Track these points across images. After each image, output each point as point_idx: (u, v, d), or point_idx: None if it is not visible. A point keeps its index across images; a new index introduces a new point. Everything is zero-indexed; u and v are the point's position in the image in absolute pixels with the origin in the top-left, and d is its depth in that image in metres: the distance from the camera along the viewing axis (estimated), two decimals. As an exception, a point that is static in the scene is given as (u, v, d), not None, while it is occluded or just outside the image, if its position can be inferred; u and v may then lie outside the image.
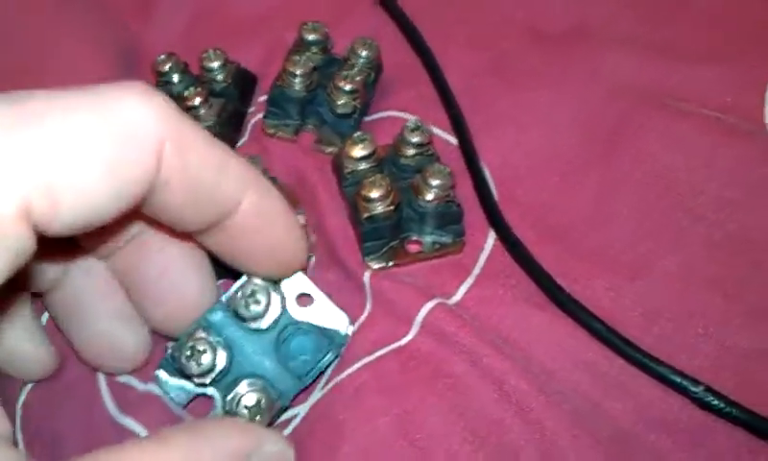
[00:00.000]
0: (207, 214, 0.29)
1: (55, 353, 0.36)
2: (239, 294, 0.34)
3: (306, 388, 0.35)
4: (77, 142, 0.23)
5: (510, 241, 0.39)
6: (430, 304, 0.37)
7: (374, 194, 0.38)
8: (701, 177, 0.41)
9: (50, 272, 0.34)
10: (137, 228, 0.33)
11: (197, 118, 0.42)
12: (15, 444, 0.35)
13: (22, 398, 0.36)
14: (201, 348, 0.33)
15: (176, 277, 0.34)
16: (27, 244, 0.23)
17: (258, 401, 0.33)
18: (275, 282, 0.35)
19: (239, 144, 0.45)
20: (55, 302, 0.35)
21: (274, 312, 0.34)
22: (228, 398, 0.33)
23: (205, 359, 0.33)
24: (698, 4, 0.49)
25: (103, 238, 0.33)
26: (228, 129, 0.44)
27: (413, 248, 0.40)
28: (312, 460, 0.34)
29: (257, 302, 0.34)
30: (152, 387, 0.36)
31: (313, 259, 0.40)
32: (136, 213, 0.28)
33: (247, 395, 0.33)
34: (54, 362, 0.36)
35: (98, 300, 0.34)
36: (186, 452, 0.25)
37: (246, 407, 0.33)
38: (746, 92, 0.44)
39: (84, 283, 0.34)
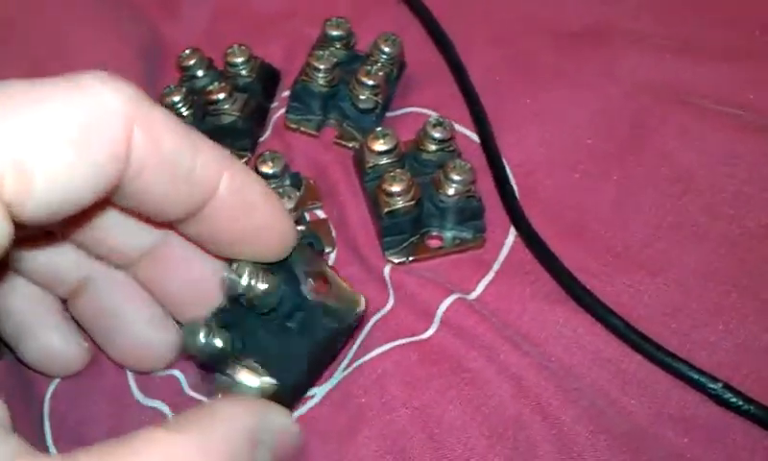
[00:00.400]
0: (186, 200, 0.29)
1: (87, 350, 0.36)
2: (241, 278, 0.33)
3: (321, 371, 0.36)
4: (47, 125, 0.24)
5: (530, 238, 0.39)
6: (450, 300, 0.37)
7: (395, 188, 0.38)
8: (720, 174, 0.41)
9: (69, 278, 0.34)
10: (155, 236, 0.33)
11: (221, 112, 0.43)
12: (42, 435, 0.36)
13: (51, 389, 0.37)
14: (201, 331, 0.32)
15: (199, 284, 0.34)
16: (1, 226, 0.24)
17: (261, 384, 0.33)
18: (280, 264, 0.34)
19: (262, 139, 0.46)
20: (79, 308, 0.35)
21: (279, 294, 0.34)
22: (232, 378, 0.33)
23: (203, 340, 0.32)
24: (717, 2, 0.49)
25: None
26: (251, 123, 0.44)
27: (433, 243, 0.40)
28: (330, 440, 0.34)
29: (258, 283, 0.33)
30: (172, 370, 0.37)
31: (334, 253, 0.40)
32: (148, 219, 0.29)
33: (247, 376, 0.33)
34: (85, 358, 0.36)
35: (125, 307, 0.35)
36: (199, 437, 0.25)
37: (249, 389, 0.32)
38: (766, 89, 0.44)
39: (108, 291, 0.35)
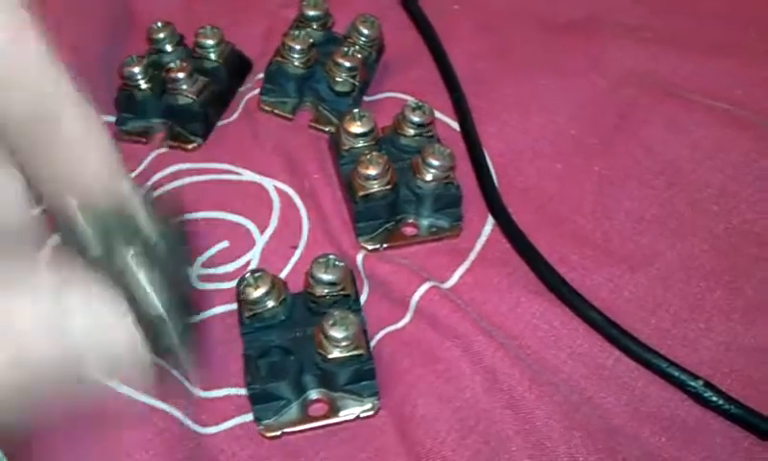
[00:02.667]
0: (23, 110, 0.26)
1: None
2: None
3: None
4: None
5: (508, 227, 0.38)
6: (424, 288, 0.36)
7: (371, 171, 0.37)
8: (706, 169, 0.40)
9: None
10: None
11: (177, 92, 0.42)
12: None
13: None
14: None
15: None
16: None
17: None
18: None
19: (230, 120, 0.44)
20: None
21: None
22: None
23: None
24: (710, -2, 0.48)
25: None
26: (208, 108, 0.43)
27: (408, 231, 0.39)
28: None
29: None
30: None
31: (303, 241, 0.39)
32: None
33: None
34: None
35: None
36: None
37: None
38: (757, 86, 0.43)
39: None
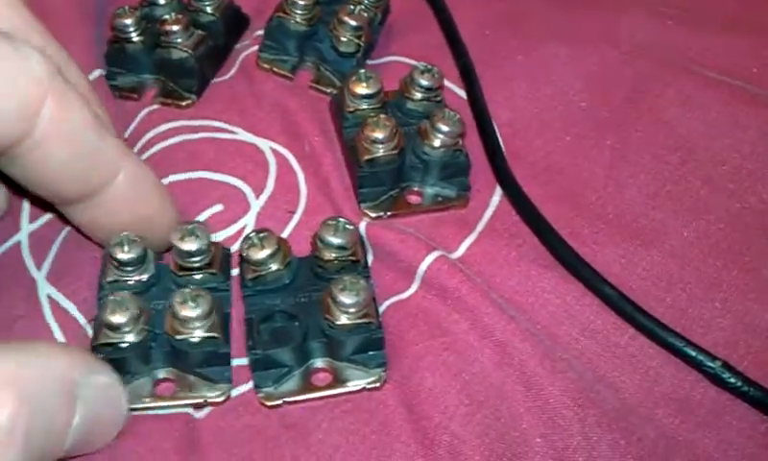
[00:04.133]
0: (85, 180, 0.29)
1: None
2: None
3: None
4: None
5: (518, 198, 0.36)
6: (432, 257, 0.34)
7: (378, 134, 0.35)
8: (722, 146, 0.38)
9: None
10: None
11: (172, 46, 0.39)
12: None
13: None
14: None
15: None
16: None
17: None
18: None
19: (225, 78, 0.42)
20: None
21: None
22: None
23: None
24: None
25: None
26: (202, 64, 0.40)
27: (413, 199, 0.37)
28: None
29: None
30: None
31: (301, 207, 0.37)
32: None
33: None
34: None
35: None
36: (14, 367, 0.24)
37: None
38: (774, 64, 0.42)
39: None
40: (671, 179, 0.37)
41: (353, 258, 0.32)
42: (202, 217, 0.37)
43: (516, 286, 0.34)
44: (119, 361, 0.30)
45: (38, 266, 0.35)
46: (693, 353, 0.32)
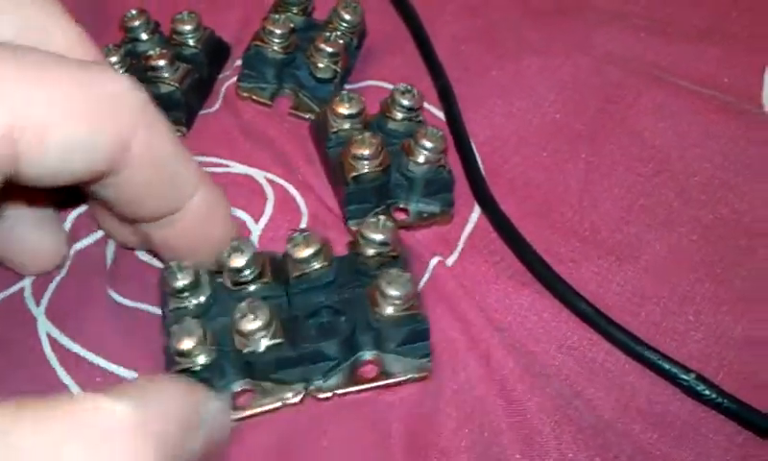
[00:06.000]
0: (165, 200, 0.30)
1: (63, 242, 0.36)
2: None
3: None
4: (69, 94, 0.26)
5: (496, 216, 0.37)
6: (433, 262, 0.36)
7: (364, 152, 0.35)
8: (694, 156, 0.39)
9: None
10: None
11: (159, 81, 0.40)
12: None
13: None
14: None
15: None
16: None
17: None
18: None
19: (210, 110, 0.43)
20: None
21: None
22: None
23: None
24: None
25: None
26: (190, 96, 0.41)
27: (399, 216, 0.38)
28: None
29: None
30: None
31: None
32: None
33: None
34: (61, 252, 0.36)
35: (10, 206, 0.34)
36: (136, 410, 0.23)
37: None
38: (745, 74, 0.42)
39: None
40: (644, 191, 0.38)
41: (393, 254, 0.33)
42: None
43: (495, 303, 0.35)
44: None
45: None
46: (667, 367, 0.32)
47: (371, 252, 0.33)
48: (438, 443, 0.31)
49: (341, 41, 0.41)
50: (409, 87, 0.38)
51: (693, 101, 0.40)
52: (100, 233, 0.37)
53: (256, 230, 0.38)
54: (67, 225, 0.37)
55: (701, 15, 0.45)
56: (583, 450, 0.31)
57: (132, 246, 0.36)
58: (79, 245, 0.37)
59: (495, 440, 0.31)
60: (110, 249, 0.36)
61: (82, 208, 0.38)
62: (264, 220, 0.38)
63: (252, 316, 0.30)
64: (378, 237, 0.33)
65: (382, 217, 0.33)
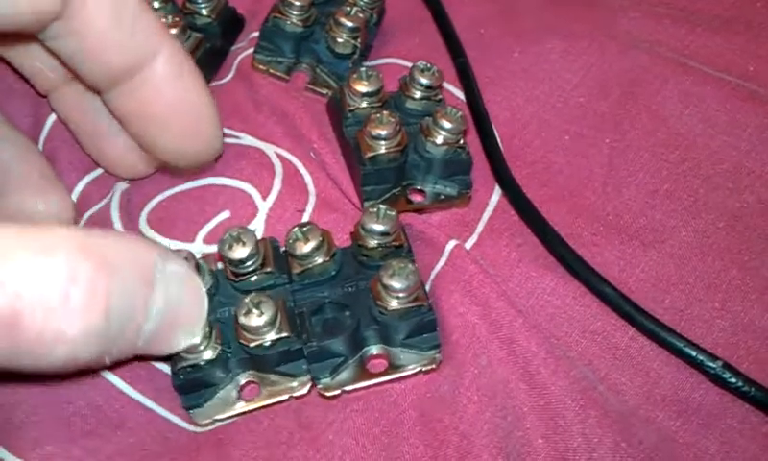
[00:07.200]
0: (126, 52, 0.29)
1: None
2: None
3: None
4: None
5: (517, 198, 0.36)
6: (450, 245, 0.35)
7: (382, 131, 0.34)
8: (720, 144, 0.38)
9: (46, 74, 0.34)
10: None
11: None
12: None
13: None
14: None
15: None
16: None
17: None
18: None
19: (223, 81, 0.42)
20: (62, 101, 0.35)
21: None
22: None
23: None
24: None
25: None
26: (201, 66, 0.39)
27: (415, 197, 0.37)
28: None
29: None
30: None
31: (310, 204, 0.37)
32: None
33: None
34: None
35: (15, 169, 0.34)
36: (93, 240, 0.24)
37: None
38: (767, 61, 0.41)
39: (8, 154, 0.33)
40: (670, 177, 0.37)
41: (396, 244, 0.32)
42: (209, 228, 0.36)
43: (517, 287, 0.34)
44: (202, 377, 0.30)
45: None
46: (693, 354, 0.32)
47: (372, 243, 0.32)
48: (458, 426, 0.30)
49: (361, 16, 0.40)
50: (429, 65, 0.37)
51: (720, 88, 0.40)
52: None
53: (264, 207, 0.37)
54: (76, 194, 0.37)
55: (725, 4, 0.44)
56: (608, 435, 0.30)
57: (137, 173, 0.36)
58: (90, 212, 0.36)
59: (518, 423, 0.30)
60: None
61: (94, 173, 0.37)
62: (272, 197, 0.37)
63: (258, 311, 0.29)
64: (379, 228, 0.32)
65: (382, 207, 0.32)
